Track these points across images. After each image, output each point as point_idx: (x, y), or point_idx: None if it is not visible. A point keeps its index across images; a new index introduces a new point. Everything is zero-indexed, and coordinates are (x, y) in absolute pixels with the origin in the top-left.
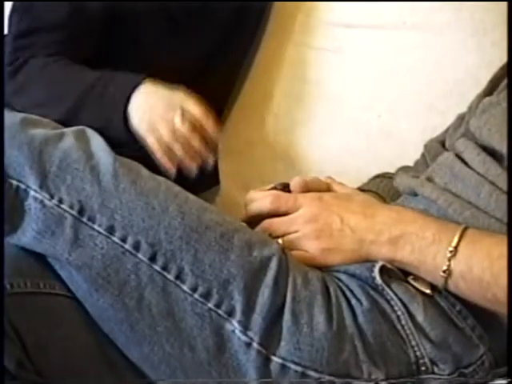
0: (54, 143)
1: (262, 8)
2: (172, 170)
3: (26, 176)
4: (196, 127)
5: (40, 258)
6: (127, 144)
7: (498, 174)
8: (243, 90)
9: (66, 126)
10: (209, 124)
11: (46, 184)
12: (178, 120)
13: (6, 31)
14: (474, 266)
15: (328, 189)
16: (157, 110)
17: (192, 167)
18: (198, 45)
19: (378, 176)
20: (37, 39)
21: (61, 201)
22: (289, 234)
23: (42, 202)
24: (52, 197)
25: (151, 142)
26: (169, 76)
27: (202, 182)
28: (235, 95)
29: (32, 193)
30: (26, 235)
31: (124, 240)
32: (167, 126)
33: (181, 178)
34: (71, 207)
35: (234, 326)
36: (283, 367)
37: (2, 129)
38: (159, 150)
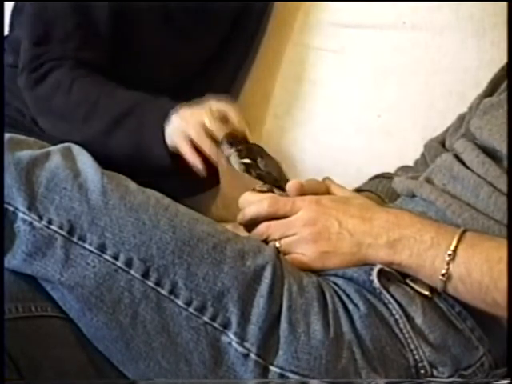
0: (41, 163)
1: (262, 8)
2: (200, 168)
3: (14, 198)
4: (226, 125)
5: (30, 280)
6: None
7: (498, 176)
8: (243, 90)
9: (96, 145)
10: (238, 122)
11: (34, 205)
12: (206, 119)
13: (5, 31)
14: (473, 269)
15: (326, 191)
16: (187, 117)
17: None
18: (198, 45)
19: (376, 176)
20: (53, 47)
21: (50, 222)
22: (286, 237)
23: (31, 223)
24: (41, 218)
25: (182, 145)
26: (169, 76)
27: (202, 182)
28: (235, 95)
29: (21, 215)
30: (16, 258)
31: (116, 257)
32: (195, 127)
33: (181, 178)
34: (61, 227)
35: (230, 338)
36: (281, 377)
37: (2, 129)
38: (188, 150)
